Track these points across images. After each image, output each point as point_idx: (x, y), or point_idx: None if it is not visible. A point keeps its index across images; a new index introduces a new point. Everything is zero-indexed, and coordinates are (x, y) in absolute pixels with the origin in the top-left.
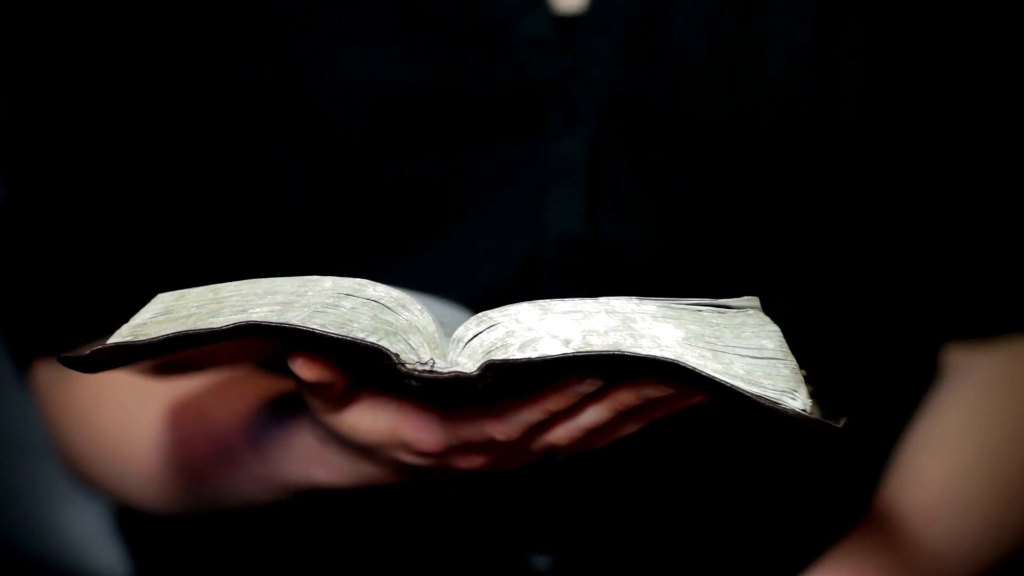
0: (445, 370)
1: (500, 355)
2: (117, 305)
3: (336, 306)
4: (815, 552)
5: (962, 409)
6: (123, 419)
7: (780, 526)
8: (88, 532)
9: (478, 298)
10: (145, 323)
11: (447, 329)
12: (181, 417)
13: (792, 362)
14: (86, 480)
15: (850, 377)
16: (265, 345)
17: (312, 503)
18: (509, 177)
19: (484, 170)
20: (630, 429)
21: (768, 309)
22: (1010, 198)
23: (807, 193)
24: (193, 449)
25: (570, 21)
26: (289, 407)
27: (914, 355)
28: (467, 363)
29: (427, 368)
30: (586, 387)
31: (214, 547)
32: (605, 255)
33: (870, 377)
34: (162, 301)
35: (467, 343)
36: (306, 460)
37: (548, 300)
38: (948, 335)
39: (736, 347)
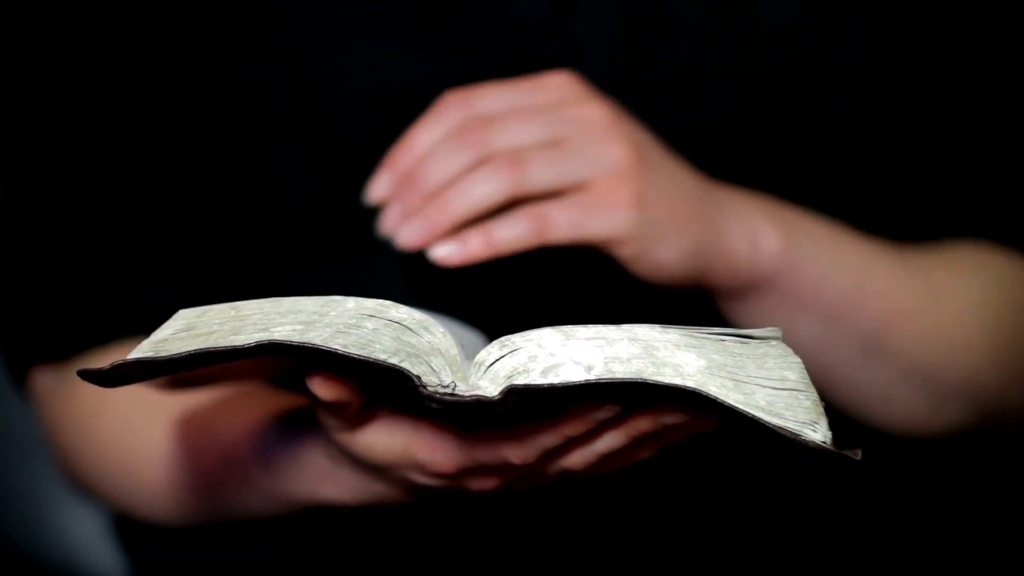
0: (467, 393)
1: (522, 380)
2: (116, 311)
3: (358, 327)
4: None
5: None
6: (126, 430)
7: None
8: (87, 532)
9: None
10: (167, 339)
11: (468, 352)
12: (188, 431)
13: (813, 394)
14: (87, 489)
15: None
16: (281, 362)
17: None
18: None
19: None
20: (645, 454)
21: None
22: (1007, 173)
23: (805, 167)
24: (200, 463)
25: (563, 5)
26: (299, 423)
27: None
28: (489, 387)
29: (448, 391)
30: (605, 413)
31: (213, 547)
32: None
33: None
34: (184, 317)
35: (489, 367)
36: (316, 477)
37: (571, 326)
38: None
39: (758, 378)
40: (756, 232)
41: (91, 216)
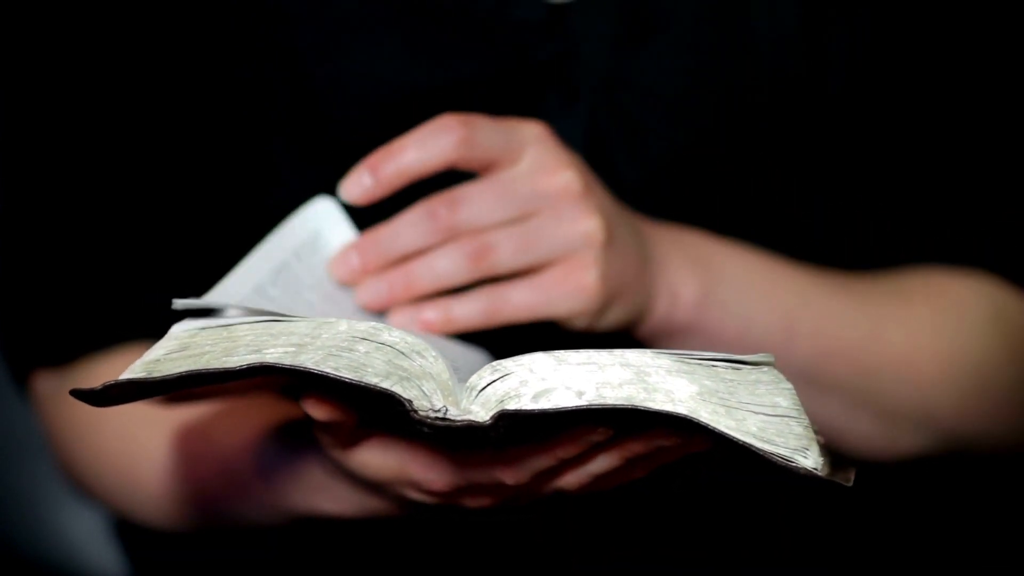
0: (458, 418)
1: (513, 404)
2: (117, 314)
3: (351, 350)
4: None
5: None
6: (126, 436)
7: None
8: (87, 532)
9: None
10: (159, 359)
11: (461, 374)
12: (187, 439)
13: (805, 420)
14: (87, 492)
15: None
16: (275, 381)
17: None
18: None
19: None
20: (638, 474)
21: None
22: (1003, 176)
23: (801, 169)
24: (198, 472)
25: (560, 9)
26: (296, 436)
27: None
28: (480, 411)
29: (440, 415)
30: (597, 437)
31: (213, 547)
32: None
33: None
34: (176, 337)
35: (480, 391)
36: (312, 490)
37: (562, 351)
38: None
39: (750, 404)
40: (676, 284)
41: (91, 218)
